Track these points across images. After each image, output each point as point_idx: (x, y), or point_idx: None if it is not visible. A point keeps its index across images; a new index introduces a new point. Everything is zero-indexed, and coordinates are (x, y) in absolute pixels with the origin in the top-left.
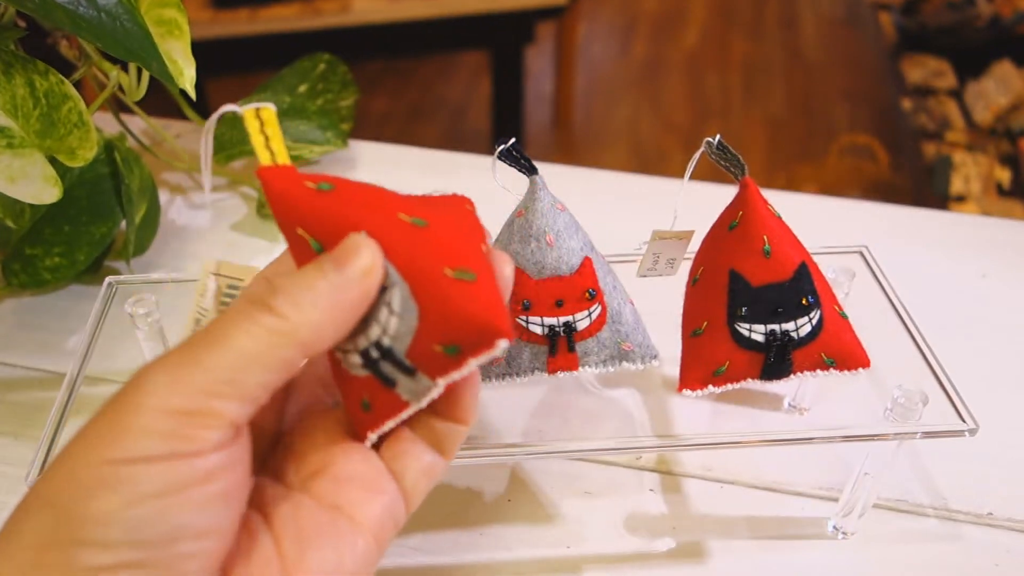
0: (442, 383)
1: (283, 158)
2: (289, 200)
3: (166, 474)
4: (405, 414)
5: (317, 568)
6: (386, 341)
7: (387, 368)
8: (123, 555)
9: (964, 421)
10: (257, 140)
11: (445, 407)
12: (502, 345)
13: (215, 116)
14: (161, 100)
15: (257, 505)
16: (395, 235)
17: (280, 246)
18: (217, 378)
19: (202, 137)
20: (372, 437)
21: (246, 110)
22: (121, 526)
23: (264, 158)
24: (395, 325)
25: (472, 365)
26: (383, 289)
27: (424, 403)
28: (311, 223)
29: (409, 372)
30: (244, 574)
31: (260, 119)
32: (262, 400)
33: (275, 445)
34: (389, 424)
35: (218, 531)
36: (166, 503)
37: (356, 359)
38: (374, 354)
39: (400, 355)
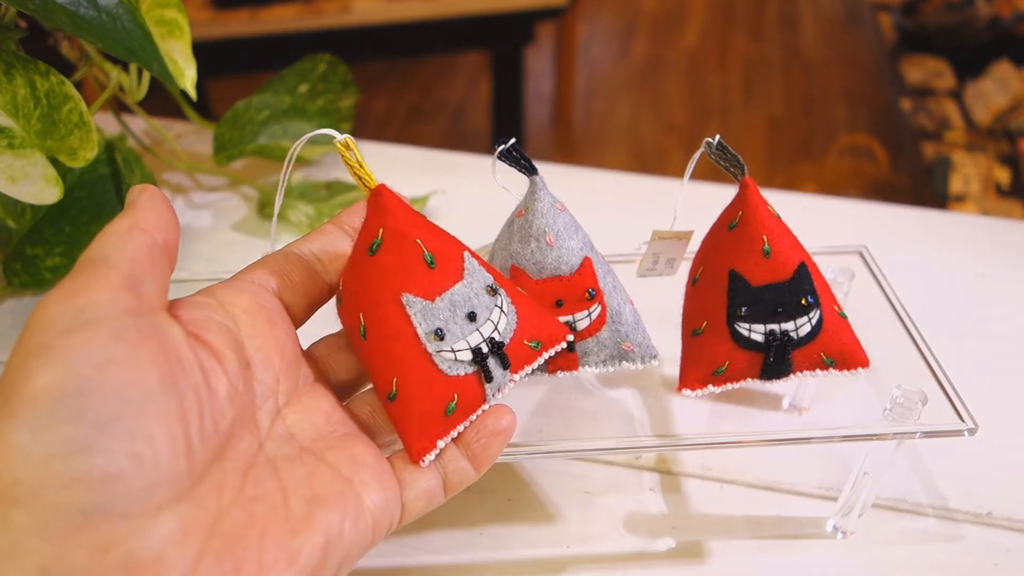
0: (517, 378)
1: (373, 179)
2: (409, 213)
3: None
4: (474, 415)
5: (322, 527)
6: (498, 337)
7: (492, 362)
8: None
9: (963, 421)
10: (354, 164)
11: (474, 449)
12: (570, 338)
13: (299, 144)
14: (162, 100)
15: (271, 461)
16: (480, 261)
17: (282, 246)
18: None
19: (283, 170)
20: (441, 444)
21: (340, 141)
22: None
23: (366, 176)
24: (504, 323)
25: (544, 357)
26: (494, 292)
27: (494, 401)
28: (429, 238)
29: (506, 366)
30: (250, 512)
31: (351, 146)
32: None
33: (288, 404)
34: (459, 428)
35: (158, 413)
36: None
37: (466, 355)
38: (485, 349)
39: (504, 350)
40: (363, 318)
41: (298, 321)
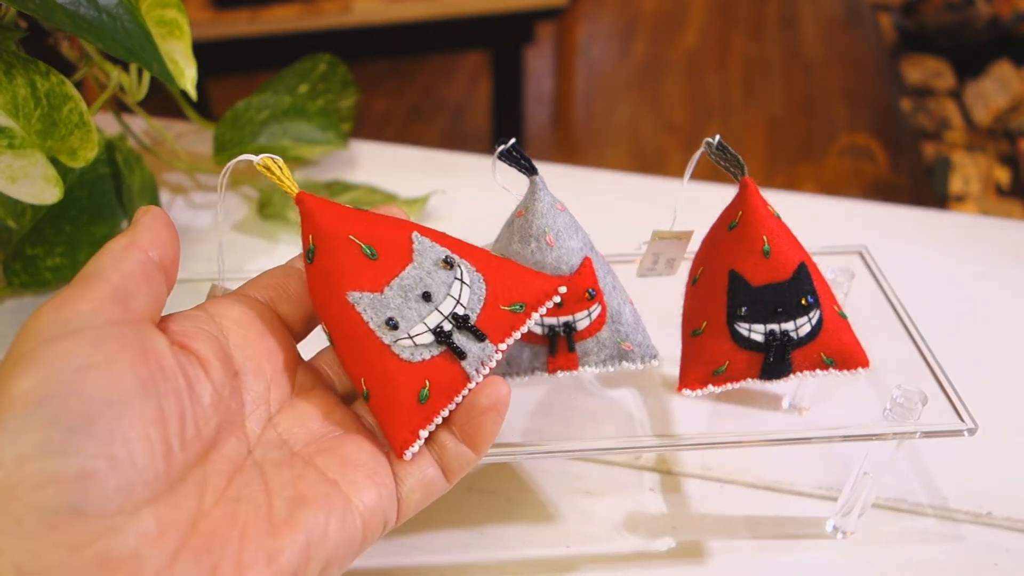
0: (503, 347)
1: (294, 189)
2: (338, 212)
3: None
4: (460, 396)
5: (304, 528)
6: (461, 311)
7: (461, 339)
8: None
9: (963, 421)
10: (275, 178)
11: (467, 430)
12: (563, 291)
13: (230, 164)
14: (162, 100)
15: (258, 465)
16: (437, 235)
17: (283, 246)
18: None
19: (220, 178)
20: (424, 434)
21: (258, 162)
22: None
23: (288, 188)
24: (468, 295)
25: (534, 318)
26: (450, 266)
27: (480, 377)
28: (364, 230)
29: (480, 338)
30: (231, 513)
31: (268, 164)
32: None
33: (282, 408)
34: (444, 412)
35: (138, 418)
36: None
37: (426, 338)
38: (447, 327)
39: (473, 323)
40: (325, 327)
41: (298, 331)
